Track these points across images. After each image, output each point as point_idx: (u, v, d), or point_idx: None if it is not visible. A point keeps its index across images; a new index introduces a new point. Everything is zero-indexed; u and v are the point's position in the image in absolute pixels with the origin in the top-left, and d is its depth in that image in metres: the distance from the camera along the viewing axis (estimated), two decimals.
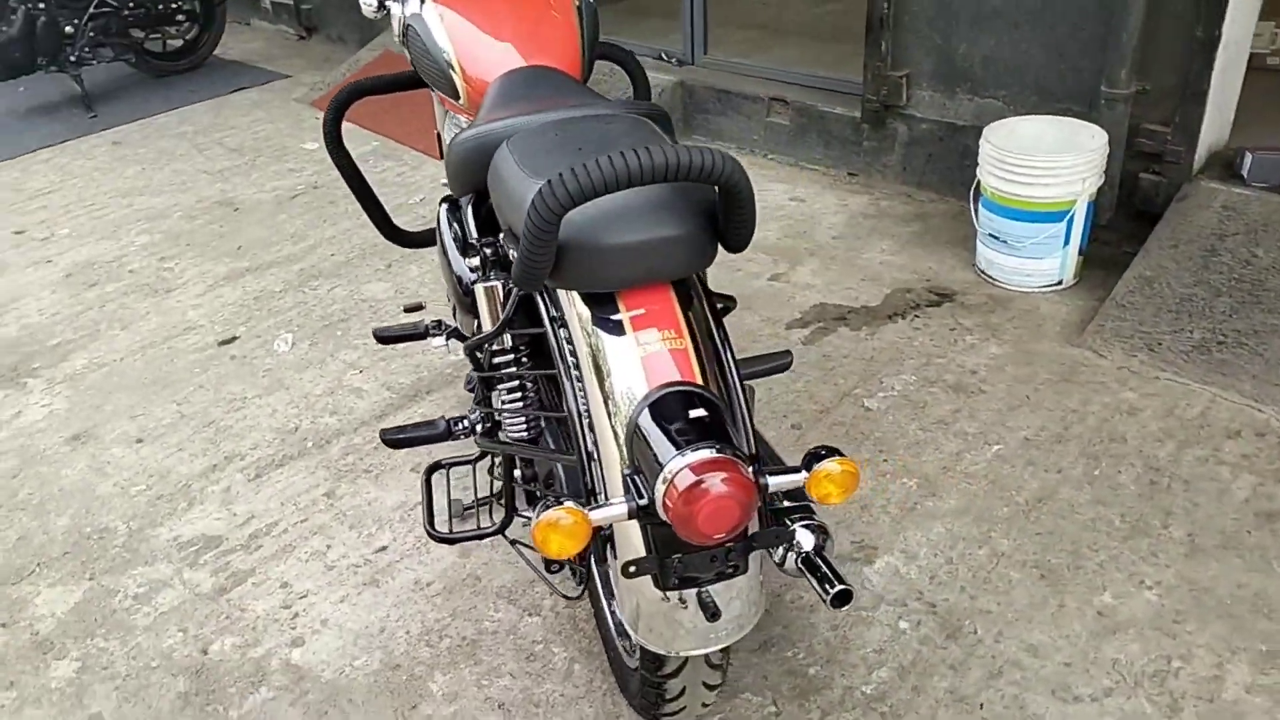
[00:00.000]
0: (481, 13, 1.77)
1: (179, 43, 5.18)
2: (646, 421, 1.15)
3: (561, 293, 1.29)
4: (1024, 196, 2.62)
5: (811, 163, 3.62)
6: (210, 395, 2.58)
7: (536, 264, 1.14)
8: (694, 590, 1.20)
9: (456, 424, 1.61)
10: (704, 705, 1.48)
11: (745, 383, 1.65)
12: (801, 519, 1.45)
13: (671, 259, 1.21)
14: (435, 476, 1.64)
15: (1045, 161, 2.57)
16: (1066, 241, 2.66)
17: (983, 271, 2.84)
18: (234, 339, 2.83)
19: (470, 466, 1.72)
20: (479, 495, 1.90)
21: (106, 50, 4.76)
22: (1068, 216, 2.61)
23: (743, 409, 1.26)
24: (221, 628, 1.88)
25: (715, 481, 1.06)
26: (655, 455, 1.11)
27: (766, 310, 2.76)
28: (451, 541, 1.45)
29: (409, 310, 2.13)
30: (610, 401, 1.20)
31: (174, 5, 4.95)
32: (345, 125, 2.06)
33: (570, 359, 1.28)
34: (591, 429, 1.24)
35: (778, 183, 3.52)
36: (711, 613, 1.20)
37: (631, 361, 1.20)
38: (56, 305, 3.09)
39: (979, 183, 2.77)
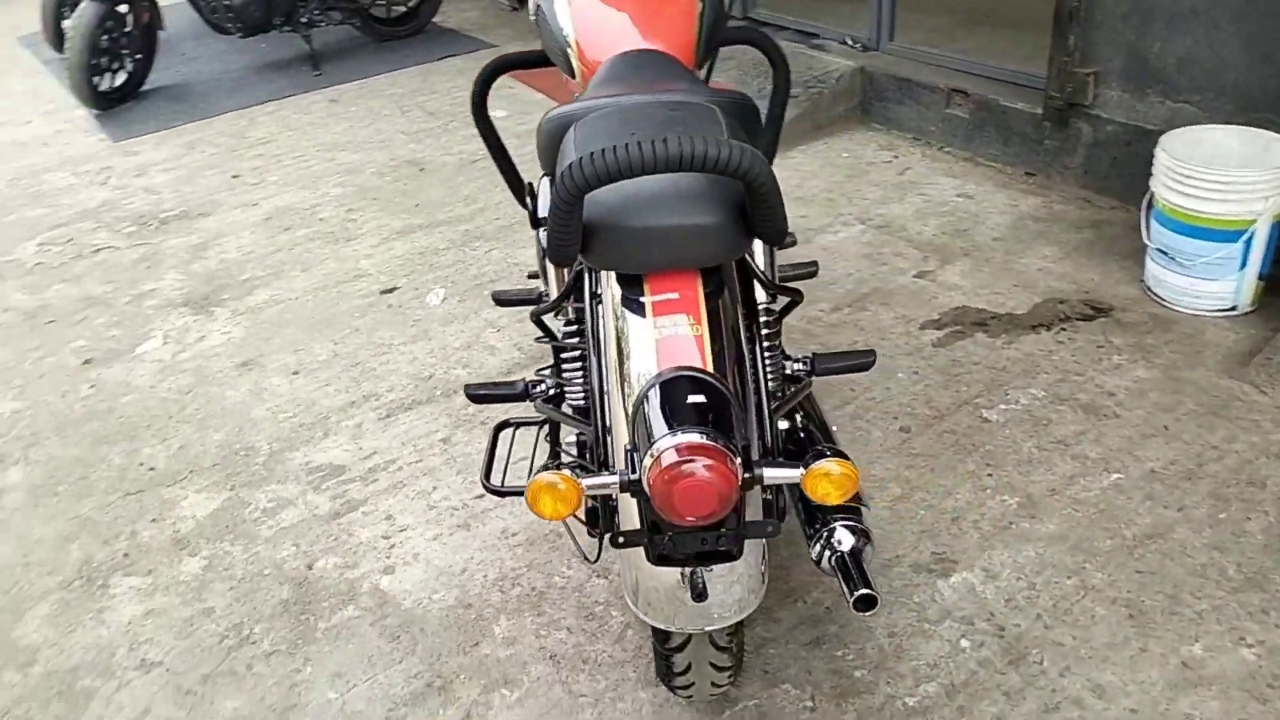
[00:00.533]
0: None
1: (401, 9, 5.54)
2: (650, 401, 1.18)
3: (602, 272, 1.33)
4: (1197, 211, 2.42)
5: (988, 159, 3.46)
6: (363, 338, 2.79)
7: (561, 240, 1.19)
8: (685, 570, 1.22)
9: (533, 386, 1.69)
10: (715, 686, 1.49)
11: (815, 376, 1.64)
12: (844, 519, 1.45)
13: (696, 247, 1.22)
14: (503, 433, 1.73)
15: (1222, 175, 2.35)
16: (1244, 264, 2.43)
17: (1150, 289, 2.64)
18: (394, 289, 3.04)
19: (536, 428, 1.79)
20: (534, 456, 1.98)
21: (335, 14, 5.17)
22: (1245, 236, 2.39)
23: (763, 402, 1.27)
24: (328, 548, 2.07)
25: (697, 465, 1.08)
26: (650, 433, 1.14)
27: (903, 308, 2.68)
28: (500, 494, 1.53)
29: (531, 277, 2.23)
30: (626, 380, 1.24)
31: None
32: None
33: (600, 335, 1.32)
34: (608, 404, 1.29)
35: (947, 177, 3.39)
36: (697, 593, 1.22)
37: (648, 343, 1.23)
38: (252, 244, 3.42)
39: (1151, 193, 2.57)
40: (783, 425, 1.65)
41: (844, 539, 1.48)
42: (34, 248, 3.54)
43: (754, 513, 1.28)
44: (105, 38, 4.67)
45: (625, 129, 1.35)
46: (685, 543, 1.20)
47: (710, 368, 1.22)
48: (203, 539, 2.12)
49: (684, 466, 1.09)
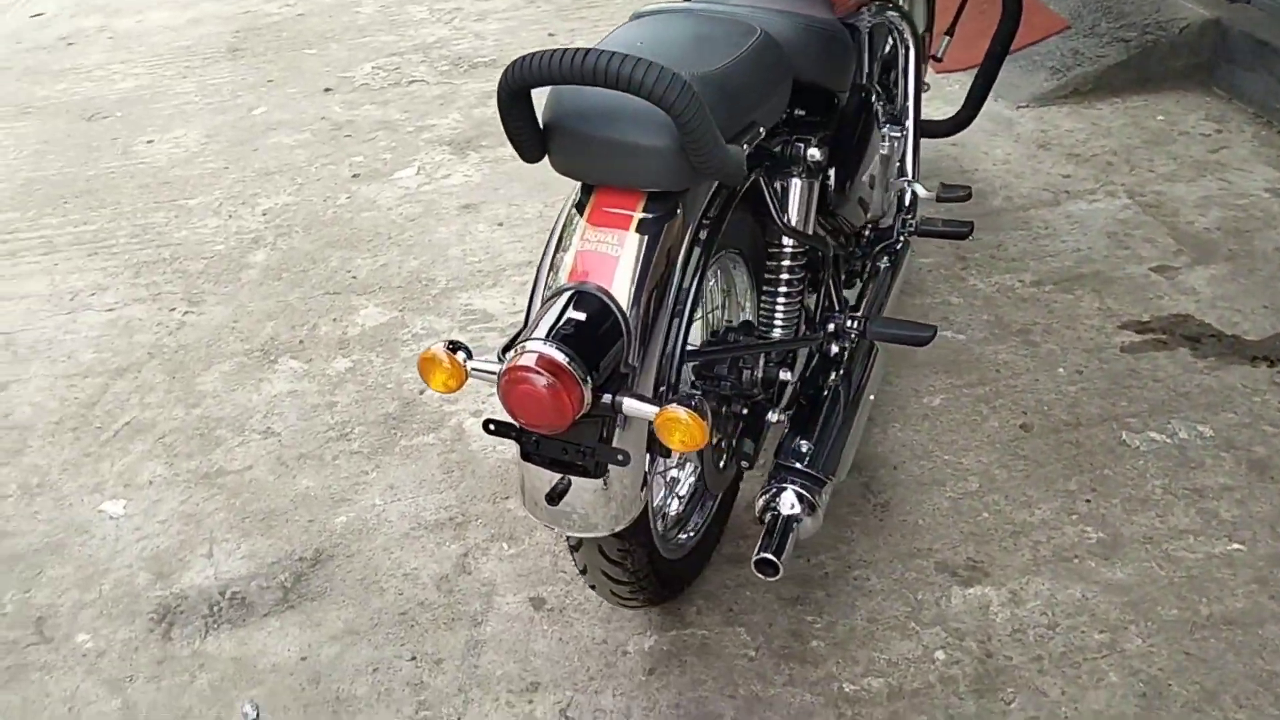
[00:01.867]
0: None
1: None
2: (546, 305, 1.21)
3: None
4: None
5: None
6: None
7: (510, 134, 1.23)
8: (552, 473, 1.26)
9: None
10: (616, 596, 1.52)
11: (866, 339, 1.57)
12: (802, 484, 1.41)
13: (634, 166, 1.21)
14: None
15: None
16: None
17: None
18: None
19: None
20: None
21: None
22: None
23: (673, 338, 1.25)
24: None
25: (540, 377, 1.11)
26: (526, 334, 1.18)
27: (1115, 300, 2.36)
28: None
29: None
30: (545, 280, 1.27)
31: None
32: None
33: (550, 234, 1.35)
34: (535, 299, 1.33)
35: (1268, 166, 2.85)
36: (549, 495, 1.26)
37: (572, 251, 1.25)
38: None
39: None
40: (785, 375, 1.59)
41: (786, 503, 1.44)
42: (368, 69, 4.05)
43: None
44: None
45: (641, 37, 1.34)
46: (547, 447, 1.24)
47: (622, 291, 1.22)
48: (359, 345, 2.45)
49: (528, 374, 1.12)
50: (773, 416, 1.58)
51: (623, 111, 1.20)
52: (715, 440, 1.50)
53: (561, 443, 1.23)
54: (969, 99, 2.26)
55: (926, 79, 2.40)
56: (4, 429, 2.26)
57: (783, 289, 1.54)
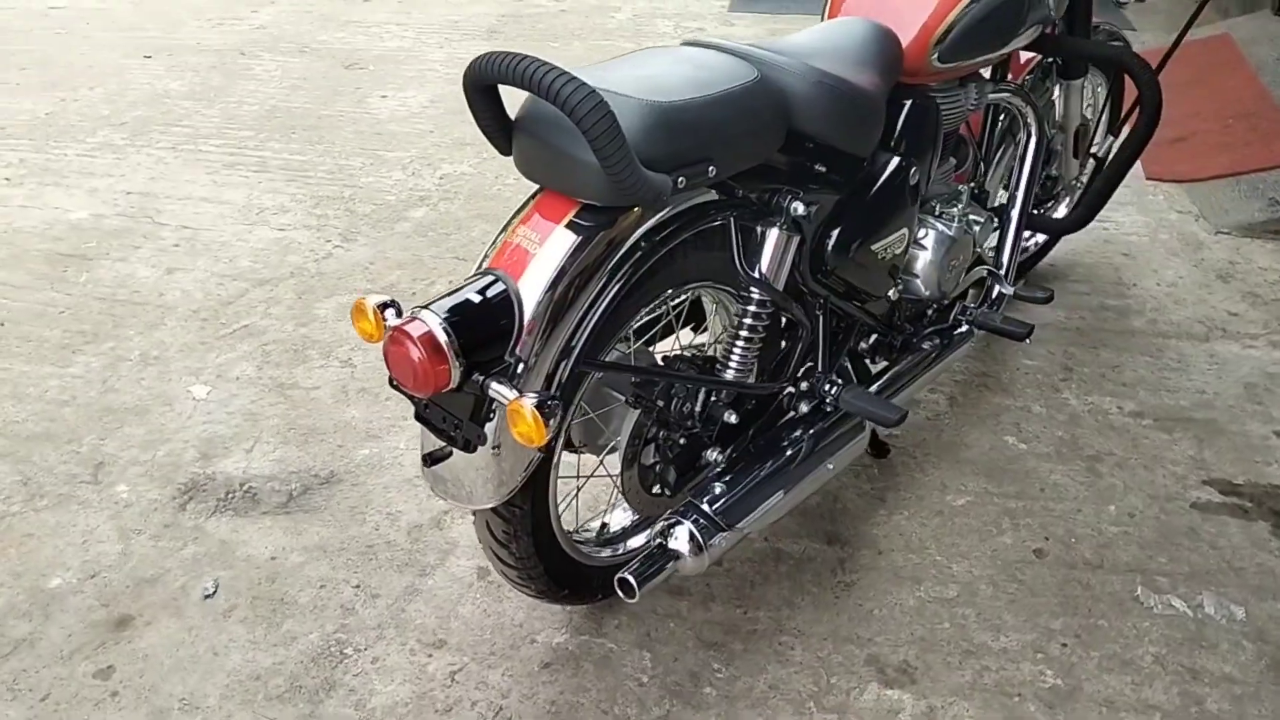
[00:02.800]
0: None
1: None
2: (466, 281, 1.30)
3: None
4: None
5: None
6: None
7: (479, 126, 1.33)
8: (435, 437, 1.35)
9: None
10: (506, 579, 1.57)
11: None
12: (703, 526, 1.43)
13: (568, 175, 1.27)
14: None
15: None
16: None
17: None
18: None
19: None
20: None
21: None
22: None
23: (572, 341, 1.30)
24: None
25: (414, 344, 1.20)
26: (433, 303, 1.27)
27: (1214, 452, 2.13)
28: None
29: None
30: (480, 260, 1.37)
31: None
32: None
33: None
34: None
35: None
36: (425, 455, 1.34)
37: (503, 241, 1.34)
38: None
39: None
40: (730, 417, 1.59)
41: (675, 536, 1.45)
42: None
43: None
44: None
45: (642, 60, 1.41)
46: (433, 413, 1.33)
47: (529, 286, 1.29)
48: None
49: (404, 339, 1.22)
50: (711, 454, 1.59)
51: (569, 124, 1.27)
52: (631, 457, 1.54)
53: (443, 411, 1.31)
54: (1087, 198, 2.12)
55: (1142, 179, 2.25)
56: (155, 305, 2.64)
57: (743, 332, 1.54)
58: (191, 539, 1.93)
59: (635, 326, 1.63)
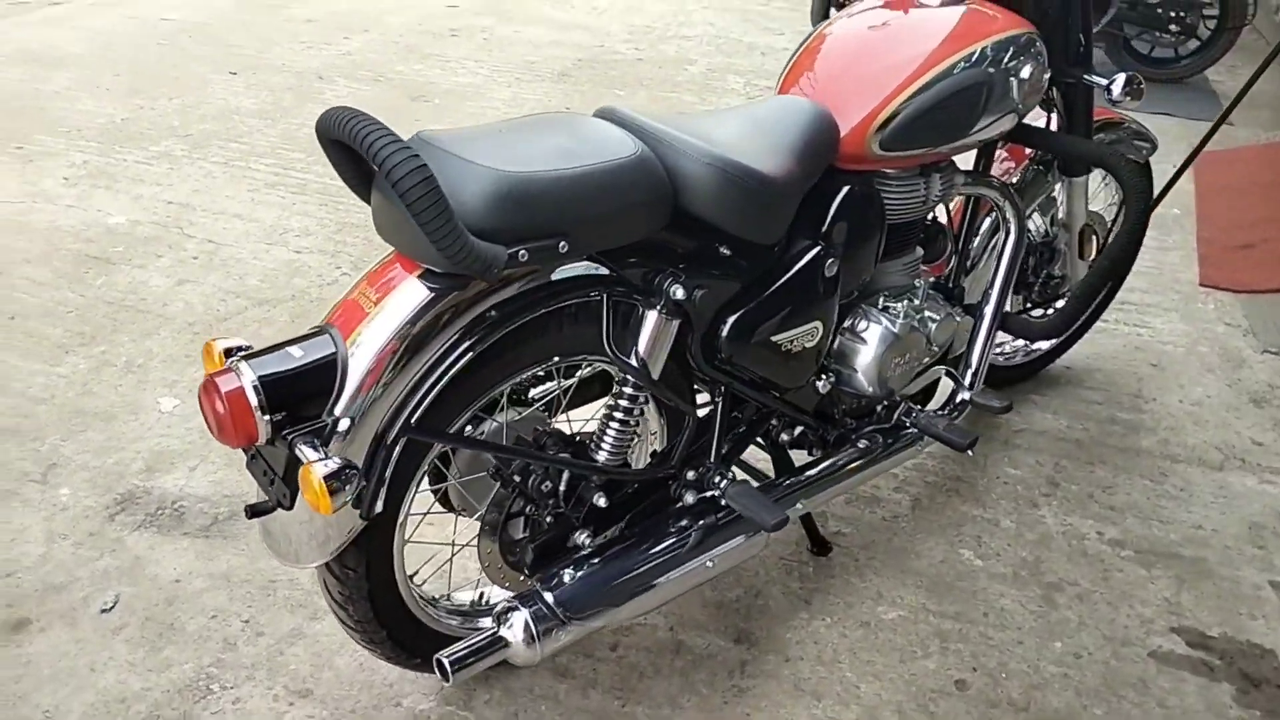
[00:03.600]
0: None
1: (1168, 53, 4.95)
2: (296, 337, 1.27)
3: None
4: None
5: None
6: None
7: (341, 177, 1.30)
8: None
9: None
10: (353, 639, 1.52)
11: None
12: (543, 614, 1.37)
13: (409, 239, 1.23)
14: None
15: None
16: None
17: None
18: None
19: None
20: None
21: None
22: None
23: (398, 408, 1.26)
24: None
25: (219, 394, 1.18)
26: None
27: (1194, 596, 1.93)
28: None
29: None
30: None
31: (1175, 13, 4.72)
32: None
33: None
34: None
35: None
36: (248, 507, 1.30)
37: (344, 296, 1.31)
38: None
39: None
40: (600, 501, 1.52)
41: (510, 623, 1.39)
42: None
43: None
44: None
45: (528, 125, 1.37)
46: (255, 465, 1.30)
47: (357, 347, 1.25)
48: None
49: (214, 390, 1.19)
50: (579, 538, 1.52)
51: None
52: (490, 528, 1.48)
53: (264, 464, 1.28)
54: (1064, 306, 1.97)
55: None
56: (156, 315, 2.72)
57: (616, 414, 1.47)
58: (109, 550, 1.95)
59: (539, 394, 1.59)
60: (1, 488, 2.09)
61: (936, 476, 2.23)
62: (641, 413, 1.48)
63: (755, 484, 1.70)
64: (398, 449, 1.28)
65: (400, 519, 1.39)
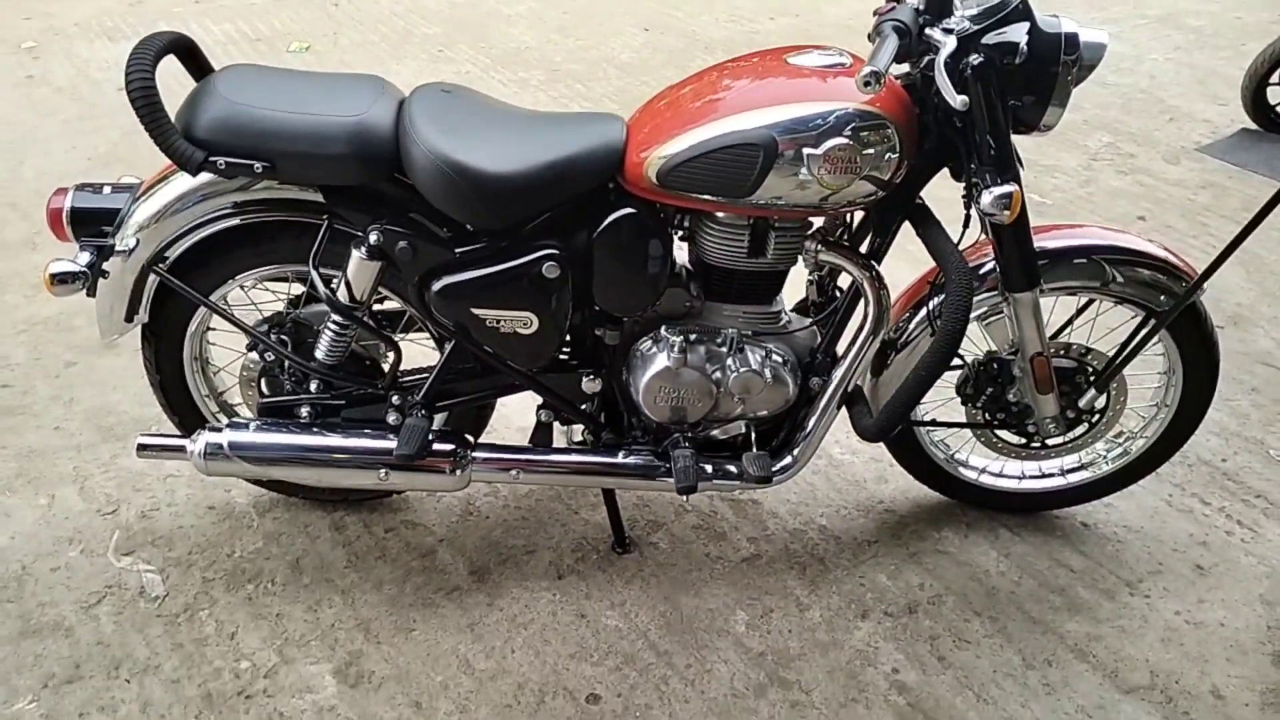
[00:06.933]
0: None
1: None
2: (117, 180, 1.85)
3: None
4: None
5: None
6: None
7: None
8: None
9: None
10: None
11: None
12: (223, 429, 1.86)
13: None
14: None
15: None
16: None
17: None
18: None
19: None
20: None
21: None
22: None
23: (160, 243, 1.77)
24: None
25: (51, 205, 1.76)
26: None
27: None
28: None
29: None
30: None
31: None
32: None
33: None
34: None
35: None
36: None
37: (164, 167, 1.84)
38: None
39: None
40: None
41: (195, 441, 1.88)
42: None
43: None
44: None
45: (307, 83, 1.76)
46: None
47: (141, 200, 1.75)
48: None
49: (51, 199, 1.78)
50: (302, 411, 1.93)
51: None
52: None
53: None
54: (887, 406, 1.79)
55: None
56: None
57: (330, 324, 1.84)
58: None
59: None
60: None
61: (810, 541, 2.16)
62: (353, 328, 1.83)
63: (452, 433, 1.94)
64: (150, 279, 1.80)
65: (186, 336, 1.91)
